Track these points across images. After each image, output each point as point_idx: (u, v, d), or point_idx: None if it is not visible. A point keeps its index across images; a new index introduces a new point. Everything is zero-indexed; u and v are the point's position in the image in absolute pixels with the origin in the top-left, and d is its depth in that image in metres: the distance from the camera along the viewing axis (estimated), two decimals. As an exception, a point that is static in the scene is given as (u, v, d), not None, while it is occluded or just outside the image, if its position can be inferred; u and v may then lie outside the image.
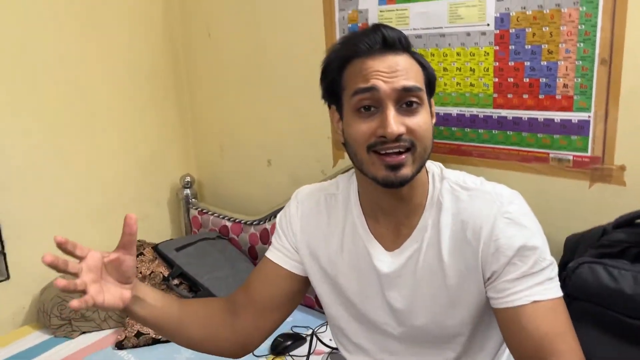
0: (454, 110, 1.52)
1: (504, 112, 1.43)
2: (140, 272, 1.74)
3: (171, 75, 2.15)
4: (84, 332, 1.68)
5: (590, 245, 1.20)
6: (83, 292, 0.80)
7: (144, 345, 1.59)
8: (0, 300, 1.75)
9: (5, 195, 1.72)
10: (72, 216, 1.88)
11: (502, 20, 1.38)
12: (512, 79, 1.40)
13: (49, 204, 1.83)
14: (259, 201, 2.05)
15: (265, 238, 1.87)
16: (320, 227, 1.01)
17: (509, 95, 1.41)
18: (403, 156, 0.84)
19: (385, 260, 0.94)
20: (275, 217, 1.83)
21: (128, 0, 1.99)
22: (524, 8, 1.34)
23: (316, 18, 1.73)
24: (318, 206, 1.02)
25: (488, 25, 1.40)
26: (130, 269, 0.87)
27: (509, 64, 1.40)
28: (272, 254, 1.05)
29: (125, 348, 1.58)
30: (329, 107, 0.95)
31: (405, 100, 0.84)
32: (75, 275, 0.81)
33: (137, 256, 1.61)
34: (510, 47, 1.38)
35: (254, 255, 1.92)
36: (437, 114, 1.51)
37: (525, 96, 1.39)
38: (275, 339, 1.52)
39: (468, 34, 1.44)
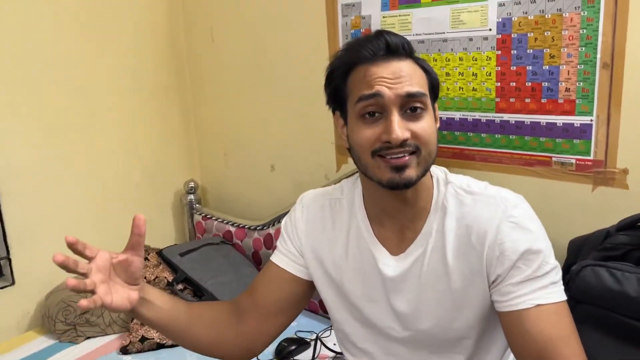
0: (457, 115, 1.53)
1: (506, 116, 1.44)
2: (145, 277, 1.75)
3: (175, 81, 2.16)
4: (88, 337, 1.68)
5: (594, 248, 1.20)
6: (92, 292, 0.80)
7: (149, 350, 1.59)
8: (6, 305, 1.75)
9: (9, 200, 1.72)
10: (76, 222, 1.88)
11: (504, 25, 1.39)
12: (514, 84, 1.41)
13: (53, 209, 1.82)
14: (263, 206, 2.05)
15: (269, 243, 1.88)
16: (325, 232, 1.01)
17: (512, 100, 1.42)
18: (407, 158, 0.84)
19: (390, 264, 0.94)
20: (278, 222, 1.83)
21: (132, 5, 1.99)
22: (526, 13, 1.35)
23: (319, 24, 1.74)
24: (323, 211, 1.02)
25: (490, 30, 1.41)
26: (138, 270, 0.87)
27: (511, 68, 1.40)
28: (277, 258, 1.05)
29: (129, 353, 1.58)
30: (333, 113, 0.96)
31: (410, 106, 0.85)
32: (85, 275, 0.81)
33: (142, 261, 1.62)
34: (512, 52, 1.39)
35: (258, 261, 1.92)
36: (440, 118, 1.51)
37: (528, 100, 1.39)
38: (280, 344, 1.52)
39: (470, 39, 1.45)
